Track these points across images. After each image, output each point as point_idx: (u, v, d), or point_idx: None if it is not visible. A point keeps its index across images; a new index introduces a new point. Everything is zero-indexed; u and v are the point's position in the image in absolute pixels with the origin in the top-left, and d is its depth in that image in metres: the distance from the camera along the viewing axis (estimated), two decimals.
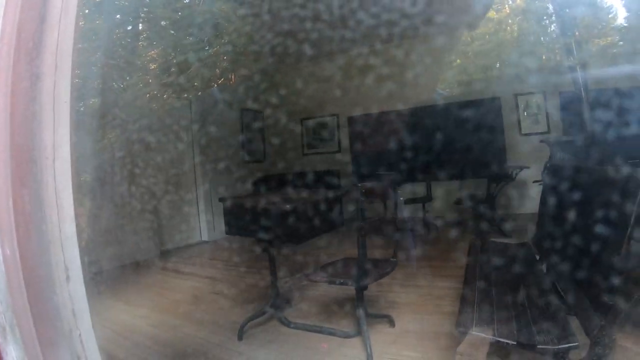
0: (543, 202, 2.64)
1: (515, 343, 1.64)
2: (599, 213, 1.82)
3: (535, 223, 2.79)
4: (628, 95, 4.24)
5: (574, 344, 1.58)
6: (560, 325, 1.70)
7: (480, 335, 1.69)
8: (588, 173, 2.15)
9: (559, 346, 1.58)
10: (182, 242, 6.08)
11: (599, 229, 1.80)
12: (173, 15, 5.10)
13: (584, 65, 3.98)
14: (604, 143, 3.52)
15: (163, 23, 5.14)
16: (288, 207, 2.75)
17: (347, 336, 2.79)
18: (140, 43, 5.15)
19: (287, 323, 3.09)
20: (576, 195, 2.08)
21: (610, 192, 1.79)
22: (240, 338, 2.95)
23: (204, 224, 6.32)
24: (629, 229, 1.66)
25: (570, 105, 4.66)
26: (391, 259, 2.87)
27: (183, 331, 3.17)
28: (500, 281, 2.21)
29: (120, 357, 2.74)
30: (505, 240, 3.19)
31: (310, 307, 3.42)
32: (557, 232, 2.30)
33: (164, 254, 5.60)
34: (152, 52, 5.32)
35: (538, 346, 1.61)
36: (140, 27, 5.11)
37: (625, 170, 1.77)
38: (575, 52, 4.32)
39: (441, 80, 6.04)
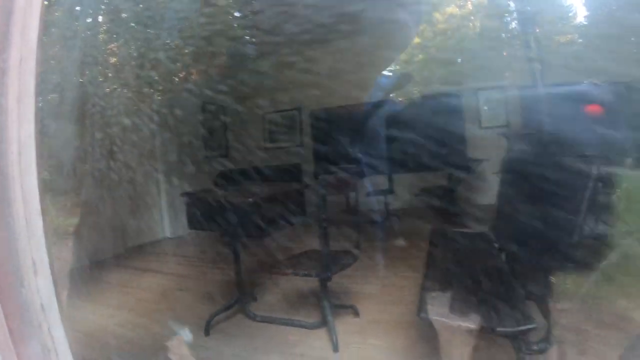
0: (500, 192, 2.76)
1: (475, 327, 1.72)
2: (551, 203, 1.92)
3: (494, 213, 2.91)
4: (584, 91, 4.45)
5: (532, 326, 1.68)
6: (519, 309, 1.79)
7: (441, 320, 1.77)
8: (540, 165, 2.26)
9: (517, 328, 1.68)
10: (145, 239, 6.00)
11: (551, 218, 1.91)
12: (134, 7, 5.00)
13: (541, 61, 4.15)
14: (558, 136, 3.71)
15: (124, 15, 5.03)
16: (249, 200, 2.78)
17: (312, 327, 2.84)
18: (100, 36, 5.04)
19: (253, 316, 3.13)
20: (529, 186, 2.19)
21: (561, 183, 1.89)
22: (207, 333, 2.97)
23: (166, 221, 6.25)
24: (580, 219, 1.77)
25: (529, 100, 4.85)
26: (353, 251, 2.96)
27: (150, 329, 3.14)
28: (460, 269, 2.30)
29: (87, 357, 2.71)
30: (465, 230, 3.31)
31: (276, 300, 3.46)
32: (513, 222, 2.41)
33: (128, 252, 5.52)
34: (112, 45, 5.21)
35: (498, 329, 1.70)
36: (100, 19, 4.99)
37: (575, 162, 1.88)
38: (534, 48, 4.51)
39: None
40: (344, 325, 2.82)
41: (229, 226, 2.93)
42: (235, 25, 5.63)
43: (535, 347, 1.93)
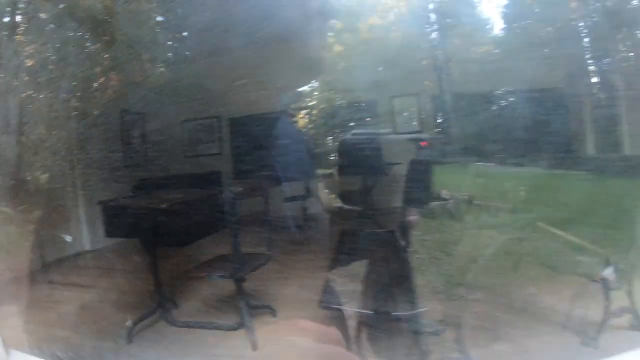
0: (403, 194, 3.15)
1: (372, 312, 2.04)
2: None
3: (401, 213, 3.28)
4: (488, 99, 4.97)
5: (421, 309, 2.02)
6: (414, 297, 2.13)
7: (342, 308, 2.08)
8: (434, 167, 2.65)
9: (408, 312, 2.01)
10: (64, 253, 5.96)
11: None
12: (54, 8, 5.01)
13: (448, 69, 4.61)
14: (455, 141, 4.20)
15: (43, 16, 5.04)
16: (163, 206, 3.00)
17: (231, 328, 3.05)
18: (17, 37, 5.02)
19: (174, 322, 3.30)
20: (422, 188, 2.56)
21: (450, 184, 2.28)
22: (129, 341, 3.11)
23: (85, 233, 6.23)
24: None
25: (440, 106, 5.30)
26: (265, 252, 3.25)
27: (72, 342, 3.19)
28: (365, 263, 2.63)
29: None
30: (375, 230, 3.66)
31: (197, 305, 3.63)
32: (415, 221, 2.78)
33: (46, 267, 5.48)
34: (30, 47, 5.20)
35: (392, 313, 2.02)
36: (17, 20, 4.97)
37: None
38: (451, 58, 4.99)
39: (322, 83, 6.45)
40: (261, 325, 3.04)
41: (146, 233, 3.12)
42: (158, 29, 5.78)
43: (430, 330, 2.29)
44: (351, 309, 2.09)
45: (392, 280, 2.29)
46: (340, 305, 2.09)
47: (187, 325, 3.25)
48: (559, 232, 3.58)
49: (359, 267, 2.58)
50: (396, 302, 2.08)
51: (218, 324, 3.14)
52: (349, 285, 2.28)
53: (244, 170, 5.85)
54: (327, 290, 2.20)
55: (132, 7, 5.35)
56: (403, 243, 2.98)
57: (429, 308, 2.11)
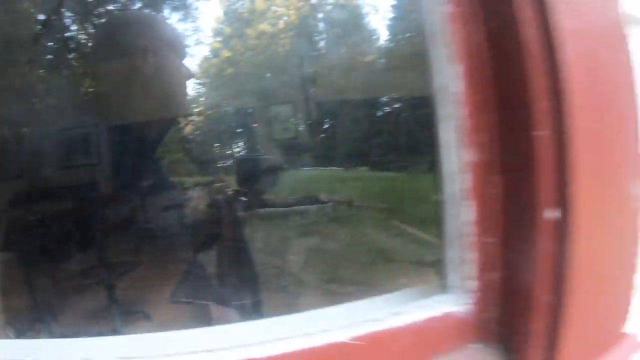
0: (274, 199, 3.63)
1: (215, 303, 2.45)
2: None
3: None
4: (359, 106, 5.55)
5: (259, 298, 2.46)
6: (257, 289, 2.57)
7: (188, 301, 2.48)
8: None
9: (250, 300, 2.45)
10: None
11: None
12: None
13: (313, 78, 5.14)
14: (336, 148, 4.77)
15: None
16: (32, 219, 3.23)
17: (106, 335, 3.34)
18: None
19: (53, 333, 3.49)
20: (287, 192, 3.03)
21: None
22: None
23: None
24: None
25: (323, 114, 5.79)
26: (133, 260, 3.56)
27: None
28: (214, 259, 3.04)
29: None
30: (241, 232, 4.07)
31: (74, 314, 3.85)
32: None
33: None
34: None
35: (233, 302, 2.45)
36: None
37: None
38: (331, 66, 5.50)
39: (209, 89, 6.68)
40: (136, 329, 3.30)
41: (18, 247, 3.31)
42: (39, 29, 5.80)
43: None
44: (196, 301, 2.50)
45: (245, 276, 2.72)
46: (187, 299, 2.49)
47: (66, 335, 3.44)
48: (413, 230, 4.18)
49: (214, 266, 3.00)
50: (238, 293, 2.50)
51: (94, 332, 3.40)
52: (203, 281, 2.69)
53: (121, 180, 5.93)
54: (177, 287, 2.59)
55: (11, 5, 5.31)
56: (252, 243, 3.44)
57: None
